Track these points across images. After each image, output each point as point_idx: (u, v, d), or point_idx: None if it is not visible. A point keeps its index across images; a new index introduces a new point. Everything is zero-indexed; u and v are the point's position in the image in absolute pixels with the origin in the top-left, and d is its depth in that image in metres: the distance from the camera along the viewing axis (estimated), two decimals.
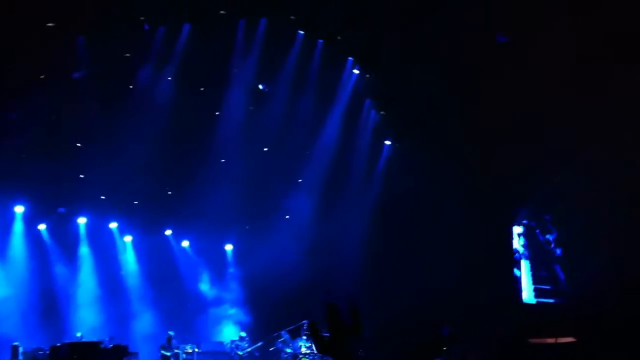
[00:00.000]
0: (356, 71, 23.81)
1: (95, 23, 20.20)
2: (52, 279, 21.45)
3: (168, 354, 20.57)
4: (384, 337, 20.59)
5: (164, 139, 21.71)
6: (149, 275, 22.83)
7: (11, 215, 21.13)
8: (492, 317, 20.22)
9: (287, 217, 23.93)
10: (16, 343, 18.98)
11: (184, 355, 20.76)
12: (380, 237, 23.52)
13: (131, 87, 21.82)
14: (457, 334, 20.32)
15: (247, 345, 21.70)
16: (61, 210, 21.91)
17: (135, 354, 19.70)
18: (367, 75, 23.94)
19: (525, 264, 21.34)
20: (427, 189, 22.59)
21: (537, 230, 21.26)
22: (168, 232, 23.76)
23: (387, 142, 24.81)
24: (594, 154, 18.99)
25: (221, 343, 21.84)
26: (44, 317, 20.55)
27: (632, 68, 18.37)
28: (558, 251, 20.78)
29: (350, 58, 23.73)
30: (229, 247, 24.48)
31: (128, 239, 23.06)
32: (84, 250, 22.11)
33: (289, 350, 21.19)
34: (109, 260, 22.60)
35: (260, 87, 23.27)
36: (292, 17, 22.89)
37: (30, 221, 21.40)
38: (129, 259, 22.91)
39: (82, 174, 21.66)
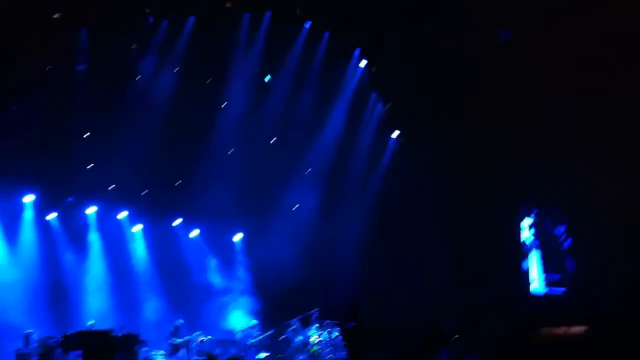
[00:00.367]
0: (363, 63, 23.93)
1: (99, 16, 20.26)
2: (62, 267, 21.43)
3: (178, 342, 20.63)
4: (385, 335, 20.75)
5: (171, 130, 21.83)
6: (158, 265, 22.86)
7: (21, 205, 21.10)
8: (501, 309, 20.48)
9: (296, 206, 24.06)
10: (30, 330, 19.01)
11: (195, 343, 20.81)
12: (384, 229, 23.71)
13: (137, 78, 21.81)
14: (460, 329, 20.53)
15: (257, 333, 21.79)
16: (70, 200, 21.88)
17: (146, 342, 19.73)
18: (374, 68, 24.08)
19: (534, 255, 21.55)
20: (433, 182, 22.79)
21: (547, 221, 21.49)
22: (177, 222, 23.79)
23: (393, 136, 24.97)
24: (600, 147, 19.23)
25: (232, 332, 21.94)
26: (54, 305, 20.54)
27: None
28: (568, 242, 21.03)
29: (356, 50, 23.86)
30: (237, 237, 24.55)
31: (137, 228, 23.09)
32: (94, 239, 22.10)
33: (299, 339, 21.30)
34: (119, 249, 22.60)
35: (267, 79, 23.34)
36: (297, 11, 23.03)
37: (39, 211, 21.37)
38: (139, 248, 22.93)
39: (90, 164, 21.66)
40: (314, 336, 21.27)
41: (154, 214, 23.00)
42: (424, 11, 21.34)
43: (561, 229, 21.28)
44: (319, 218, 23.80)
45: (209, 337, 21.10)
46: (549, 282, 21.20)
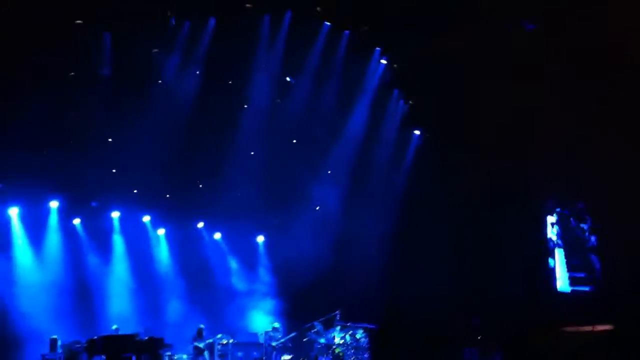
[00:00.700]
0: (384, 61, 23.77)
1: (122, 19, 20.37)
2: (86, 272, 21.71)
3: (201, 345, 20.75)
4: (411, 333, 20.66)
5: (193, 132, 21.90)
6: (181, 267, 23.07)
7: (46, 211, 21.39)
8: (526, 307, 20.25)
9: (317, 208, 24.00)
10: (54, 336, 19.28)
11: (219, 346, 20.92)
12: (408, 226, 23.53)
13: (160, 81, 21.89)
14: (487, 324, 20.35)
15: (280, 336, 21.83)
16: (95, 204, 22.12)
17: (170, 346, 19.89)
18: (395, 65, 23.90)
19: (559, 253, 21.26)
20: (457, 179, 22.56)
21: (571, 219, 21.18)
22: (200, 225, 23.92)
23: (416, 132, 24.78)
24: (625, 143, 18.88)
25: (255, 334, 22.00)
26: (79, 309, 20.81)
27: None
28: (593, 239, 20.71)
29: (377, 48, 23.70)
30: (260, 239, 24.60)
31: (161, 232, 23.26)
32: (118, 243, 22.36)
33: (322, 341, 21.27)
34: (143, 253, 22.84)
35: (288, 79, 23.30)
36: (317, 9, 22.91)
37: (64, 216, 21.66)
38: (162, 252, 23.12)
39: (114, 169, 21.85)
40: (337, 338, 21.26)
41: (177, 217, 23.18)
42: (443, 7, 21.07)
43: (585, 226, 20.95)
44: (343, 216, 23.68)
45: (231, 340, 21.22)
46: (573, 280, 20.89)
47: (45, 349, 19.16)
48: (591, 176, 19.29)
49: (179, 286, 22.80)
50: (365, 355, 21.19)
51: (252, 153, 23.21)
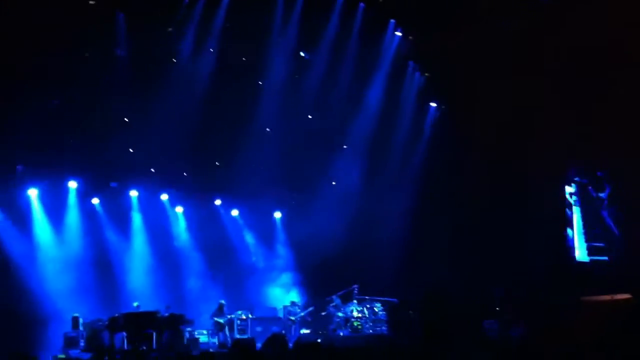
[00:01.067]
0: (398, 33, 23.55)
1: None
2: (106, 250, 21.98)
3: (221, 320, 20.94)
4: (434, 301, 20.59)
5: (209, 110, 21.90)
6: (200, 245, 23.20)
7: (65, 191, 21.62)
8: (545, 278, 20.11)
9: (333, 183, 23.97)
10: (76, 314, 19.55)
11: (238, 321, 21.10)
12: (427, 201, 23.42)
13: (174, 60, 21.89)
14: (510, 294, 20.24)
15: (299, 310, 21.97)
16: (113, 184, 22.30)
17: (192, 322, 20.09)
18: (410, 37, 23.67)
19: (577, 222, 21.05)
20: (475, 151, 22.35)
21: (590, 187, 20.93)
22: (217, 202, 24.03)
23: (433, 104, 24.59)
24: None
25: (274, 309, 22.17)
26: (100, 288, 21.09)
27: None
28: (612, 208, 20.47)
29: (392, 20, 23.48)
30: (277, 215, 24.69)
31: (179, 209, 23.40)
32: (137, 222, 22.55)
33: (340, 315, 21.40)
34: (161, 231, 23.02)
35: (302, 54, 23.18)
36: None
37: (83, 196, 21.88)
38: (181, 230, 23.28)
39: (131, 149, 21.97)
40: (355, 311, 21.35)
41: (195, 195, 23.28)
42: None
43: (604, 195, 20.70)
44: (361, 191, 23.64)
45: (250, 315, 21.39)
46: (592, 250, 20.69)
47: (68, 327, 19.44)
48: (610, 145, 19.02)
49: (198, 263, 22.98)
50: (383, 328, 21.29)
51: (268, 130, 23.18)
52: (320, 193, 23.50)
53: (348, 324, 21.17)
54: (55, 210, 21.35)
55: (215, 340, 20.77)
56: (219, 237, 23.63)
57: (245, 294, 22.77)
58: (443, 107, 24.38)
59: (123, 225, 22.40)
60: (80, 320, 19.53)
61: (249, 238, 24.08)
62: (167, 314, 19.68)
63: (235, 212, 24.25)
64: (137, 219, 22.54)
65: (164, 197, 23.28)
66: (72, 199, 21.62)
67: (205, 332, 20.74)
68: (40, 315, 19.77)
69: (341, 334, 20.92)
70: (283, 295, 22.95)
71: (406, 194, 23.66)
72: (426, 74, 24.19)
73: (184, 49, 21.95)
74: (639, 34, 18.01)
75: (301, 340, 19.17)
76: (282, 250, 24.06)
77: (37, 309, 19.78)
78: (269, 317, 21.65)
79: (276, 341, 15.75)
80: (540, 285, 19.81)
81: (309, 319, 22.02)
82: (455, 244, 22.09)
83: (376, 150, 24.05)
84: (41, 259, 20.65)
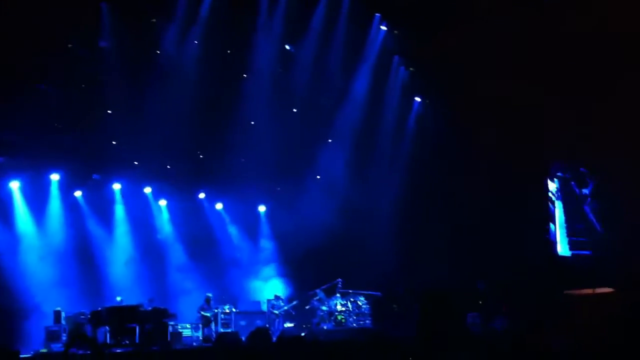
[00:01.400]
0: (384, 27, 23.55)
1: None
2: (89, 243, 21.80)
3: (208, 314, 20.88)
4: (417, 297, 20.66)
5: (193, 103, 21.73)
6: (184, 238, 23.14)
7: (47, 184, 21.42)
8: (527, 271, 20.24)
9: (318, 177, 23.96)
10: (58, 308, 19.42)
11: (222, 315, 21.05)
12: (411, 194, 23.51)
13: (158, 52, 21.75)
14: (492, 288, 20.38)
15: (283, 304, 21.97)
16: (96, 176, 22.13)
17: (174, 315, 20.01)
18: (396, 32, 23.68)
19: (560, 217, 21.19)
20: (458, 145, 22.45)
21: (572, 182, 21.07)
22: (201, 196, 23.95)
23: (417, 99, 24.62)
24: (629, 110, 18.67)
25: (258, 302, 22.14)
26: (82, 281, 20.91)
27: None
28: (594, 204, 20.62)
29: (377, 14, 23.48)
30: (262, 208, 24.64)
31: (163, 203, 23.30)
32: (120, 215, 22.38)
33: (324, 308, 21.45)
34: (145, 224, 22.89)
35: (287, 47, 23.12)
36: None
37: (66, 189, 21.68)
38: (165, 223, 23.19)
39: (114, 141, 21.82)
40: (339, 305, 21.40)
41: (178, 188, 23.18)
42: None
43: (587, 190, 20.84)
44: (346, 184, 23.65)
45: (234, 308, 21.35)
46: (574, 245, 20.84)
47: (49, 321, 19.30)
48: (593, 141, 19.12)
49: (181, 256, 22.91)
50: (367, 321, 21.36)
51: (252, 123, 23.11)
52: (304, 186, 23.49)
53: (332, 318, 21.23)
54: (37, 203, 21.12)
55: (199, 334, 20.69)
56: (203, 231, 23.57)
57: (229, 287, 22.70)
58: (427, 101, 24.44)
59: (106, 218, 22.23)
60: (63, 314, 19.37)
61: (233, 231, 23.99)
62: (150, 308, 19.58)
63: (219, 206, 24.17)
64: (120, 211, 22.38)
65: (147, 190, 23.14)
66: (54, 191, 21.42)
67: (188, 326, 20.66)
68: (21, 309, 19.58)
69: (325, 327, 20.97)
70: (266, 288, 22.94)
71: (391, 187, 23.76)
72: (411, 69, 24.26)
73: (168, 40, 21.77)
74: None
75: (285, 334, 19.22)
76: (266, 243, 24.06)
77: (18, 303, 19.59)
78: (253, 311, 21.61)
79: (260, 335, 15.86)
80: (522, 278, 19.94)
81: (293, 313, 22.04)
82: (439, 238, 22.20)
83: (361, 143, 24.09)
84: (23, 252, 20.42)
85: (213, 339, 19.33)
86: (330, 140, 24.08)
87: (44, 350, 18.29)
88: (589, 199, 20.81)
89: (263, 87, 22.82)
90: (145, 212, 23.00)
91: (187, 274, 22.58)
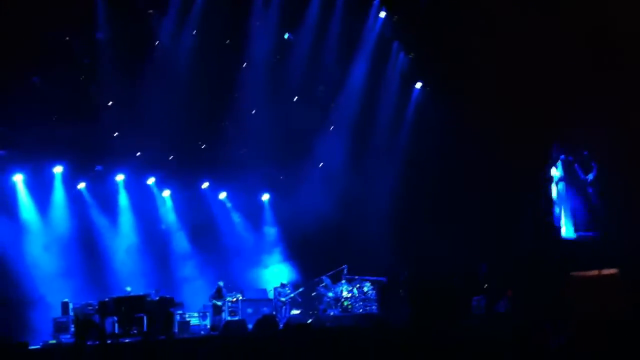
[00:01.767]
0: (382, 13, 23.51)
1: None
2: (93, 234, 21.80)
3: (219, 303, 20.98)
4: (419, 282, 20.81)
5: (193, 93, 21.73)
6: (188, 228, 23.18)
7: (50, 176, 21.42)
8: (532, 255, 20.31)
9: (320, 164, 23.99)
10: (66, 299, 19.48)
11: (229, 303, 21.13)
12: (411, 181, 23.55)
13: (157, 43, 21.72)
14: (495, 272, 20.46)
15: (289, 291, 22.04)
16: (99, 168, 22.13)
17: (181, 304, 20.12)
18: (395, 18, 23.64)
19: (564, 200, 21.22)
20: (459, 131, 22.44)
21: (576, 165, 21.09)
22: (205, 185, 23.96)
23: (417, 86, 24.60)
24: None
25: (264, 290, 22.21)
26: (88, 272, 20.93)
27: None
28: (597, 186, 20.66)
29: (376, 1, 23.44)
30: (265, 197, 24.68)
31: (166, 193, 23.32)
32: (124, 206, 22.40)
33: (330, 295, 21.53)
34: (149, 215, 22.93)
35: (286, 36, 23.08)
36: None
37: (69, 181, 21.68)
38: (169, 213, 23.22)
39: (115, 133, 21.81)
40: (345, 291, 21.47)
41: (181, 178, 23.21)
42: None
43: (591, 173, 20.87)
44: (348, 172, 23.69)
45: (240, 296, 21.41)
46: (578, 227, 20.89)
47: (56, 312, 19.36)
48: (596, 122, 19.12)
49: (186, 246, 22.97)
50: (373, 307, 21.45)
51: (254, 112, 23.11)
52: (307, 174, 23.53)
53: (338, 304, 21.32)
54: (41, 195, 21.12)
55: (207, 322, 20.77)
56: (207, 220, 23.62)
57: (235, 276, 22.74)
58: (428, 87, 24.42)
59: (110, 209, 22.24)
60: (70, 306, 19.42)
61: (237, 220, 24.02)
62: (156, 298, 19.67)
63: (222, 195, 24.19)
64: (123, 202, 22.39)
65: (151, 180, 23.15)
66: (57, 183, 21.43)
67: (196, 314, 20.75)
68: (28, 301, 19.60)
69: (332, 313, 21.07)
70: (272, 276, 23.01)
71: (393, 173, 23.78)
72: (411, 55, 24.22)
73: (165, 31, 21.74)
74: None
75: (291, 321, 19.34)
76: (271, 231, 24.12)
77: (25, 294, 19.60)
78: (260, 299, 21.65)
79: (267, 322, 15.94)
80: (527, 262, 20.01)
81: (299, 300, 22.12)
82: (443, 223, 22.22)
83: (362, 130, 24.10)
84: (28, 244, 20.43)
85: (221, 327, 19.41)
86: (332, 128, 24.06)
87: (53, 342, 18.36)
88: (592, 181, 20.83)
89: (261, 76, 22.80)
90: (148, 203, 23.01)
91: (192, 263, 22.69)
